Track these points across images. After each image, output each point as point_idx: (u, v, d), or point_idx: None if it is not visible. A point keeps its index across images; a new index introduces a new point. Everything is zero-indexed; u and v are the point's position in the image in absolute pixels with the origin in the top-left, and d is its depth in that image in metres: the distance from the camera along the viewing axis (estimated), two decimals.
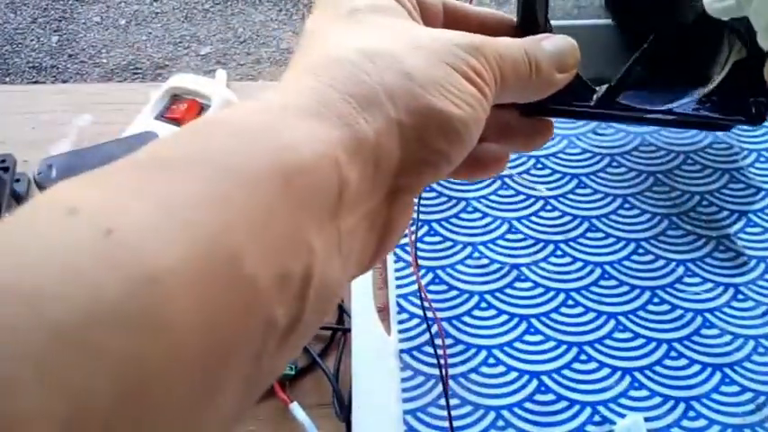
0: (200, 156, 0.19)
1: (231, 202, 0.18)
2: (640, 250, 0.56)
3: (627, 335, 0.51)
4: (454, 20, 0.29)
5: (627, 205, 0.59)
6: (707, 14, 0.31)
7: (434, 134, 0.23)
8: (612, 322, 0.52)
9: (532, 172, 0.60)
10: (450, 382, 0.49)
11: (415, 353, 0.50)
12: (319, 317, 0.21)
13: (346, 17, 0.25)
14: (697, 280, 0.54)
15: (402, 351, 0.50)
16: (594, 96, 0.31)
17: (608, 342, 0.51)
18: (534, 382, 0.49)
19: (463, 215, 0.58)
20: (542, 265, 0.55)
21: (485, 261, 0.55)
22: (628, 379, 0.49)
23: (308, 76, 0.23)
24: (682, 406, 0.48)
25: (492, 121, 0.30)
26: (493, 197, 0.59)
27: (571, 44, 0.28)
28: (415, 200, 0.26)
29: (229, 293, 0.17)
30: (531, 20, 0.30)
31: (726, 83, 0.32)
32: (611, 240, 0.57)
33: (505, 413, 0.47)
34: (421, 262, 0.55)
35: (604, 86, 0.31)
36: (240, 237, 0.18)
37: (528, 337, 0.51)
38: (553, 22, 0.31)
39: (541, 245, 0.56)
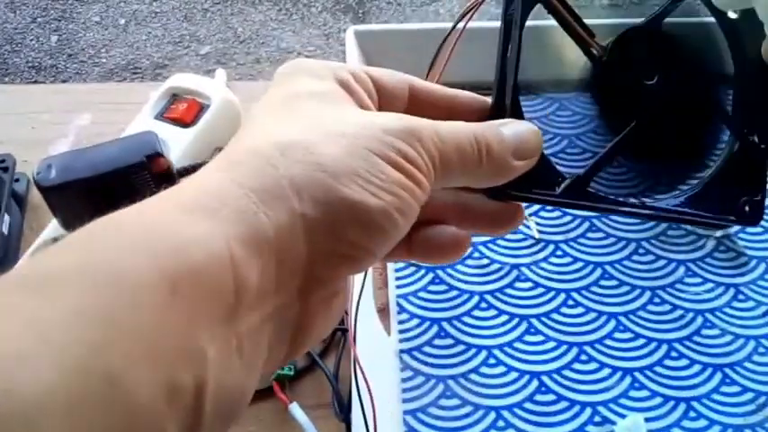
0: (81, 268, 0.18)
1: (111, 316, 0.17)
2: (641, 250, 0.56)
3: (627, 335, 0.51)
4: (419, 103, 0.28)
5: None
6: (697, 105, 0.30)
7: (348, 227, 0.22)
8: (613, 322, 0.52)
9: None
10: (451, 383, 0.49)
11: (415, 353, 0.50)
12: (223, 424, 0.20)
13: (281, 104, 0.25)
14: (698, 280, 0.54)
15: (402, 351, 0.50)
16: (562, 185, 0.28)
17: (608, 342, 0.51)
18: (534, 383, 0.49)
19: None
20: (543, 265, 0.55)
21: (485, 261, 0.55)
22: (628, 379, 0.49)
23: (218, 172, 0.22)
24: (682, 406, 0.48)
25: (451, 203, 0.29)
26: None
27: (533, 131, 0.27)
28: (345, 293, 0.25)
29: (108, 417, 0.16)
30: (500, 105, 0.28)
31: (716, 179, 0.29)
32: (611, 240, 0.56)
33: (506, 413, 0.47)
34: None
35: (572, 176, 0.28)
36: (119, 354, 0.17)
37: (528, 338, 0.51)
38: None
39: (542, 245, 0.56)
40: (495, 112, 0.28)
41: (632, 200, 0.29)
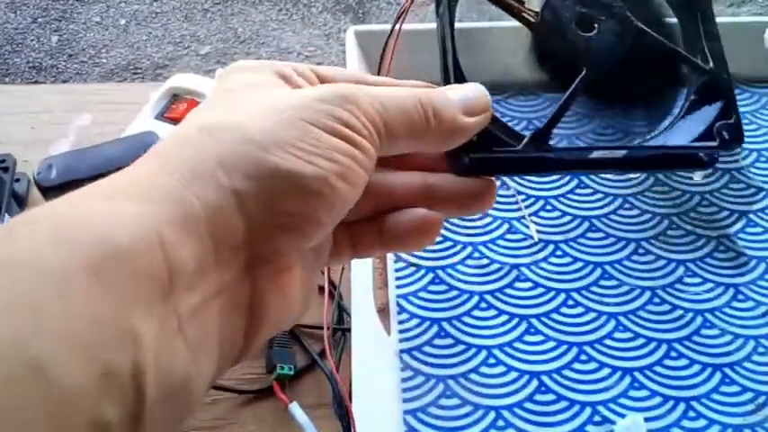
0: (5, 259, 0.18)
1: (34, 305, 0.17)
2: (640, 250, 0.56)
3: (627, 335, 0.51)
4: None
5: (627, 205, 0.59)
6: (644, 48, 0.30)
7: (283, 196, 0.22)
8: (613, 322, 0.52)
9: None
10: (451, 382, 0.49)
11: (415, 353, 0.50)
12: (173, 409, 0.20)
13: (214, 98, 0.25)
14: (697, 280, 0.54)
15: (402, 351, 0.50)
16: (523, 142, 0.28)
17: (608, 342, 0.51)
18: (534, 383, 0.49)
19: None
20: (542, 265, 0.55)
21: (485, 261, 0.55)
22: (628, 379, 0.49)
23: (146, 162, 0.22)
24: (682, 406, 0.48)
25: (418, 187, 0.28)
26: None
27: (479, 89, 0.27)
28: (300, 271, 0.24)
29: (37, 404, 0.16)
30: (445, 79, 0.28)
31: (685, 114, 0.30)
32: (611, 240, 0.57)
33: (506, 413, 0.47)
34: (421, 262, 0.55)
35: (532, 131, 0.28)
36: (45, 340, 0.16)
37: (528, 338, 0.51)
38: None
39: (541, 245, 0.56)
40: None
41: (602, 145, 0.29)
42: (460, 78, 0.29)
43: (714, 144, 0.29)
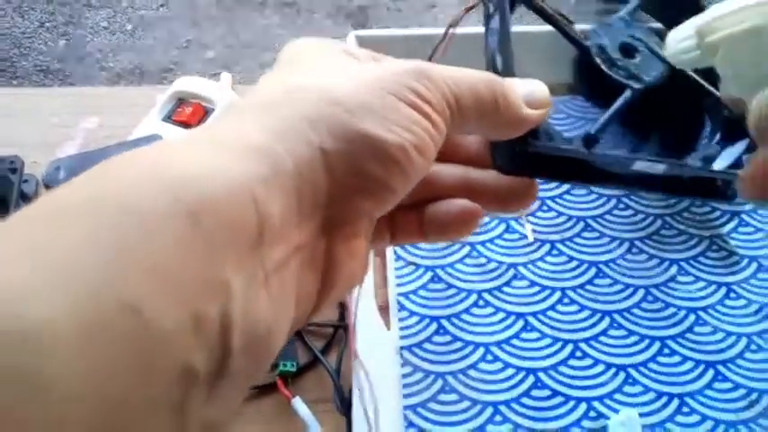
0: (94, 200, 0.17)
1: (126, 245, 0.17)
2: (634, 249, 0.57)
3: (621, 332, 0.52)
4: None
5: (621, 205, 0.60)
6: (688, 88, 0.31)
7: (366, 160, 0.22)
8: (607, 320, 0.53)
9: None
10: (449, 378, 0.50)
11: (414, 349, 0.51)
12: (254, 362, 0.20)
13: (287, 63, 0.25)
14: (690, 278, 0.55)
15: (402, 348, 0.51)
16: (574, 142, 0.29)
17: (603, 339, 0.52)
18: (531, 379, 0.50)
19: None
20: (539, 264, 0.56)
21: (483, 260, 0.56)
22: (622, 375, 0.50)
23: (231, 117, 0.22)
24: (675, 402, 0.49)
25: (459, 180, 0.29)
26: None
27: (542, 85, 0.27)
28: (367, 239, 0.25)
29: (127, 345, 0.16)
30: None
31: (718, 143, 0.31)
32: (605, 240, 0.58)
33: (503, 408, 0.48)
34: (421, 261, 0.56)
35: (582, 132, 0.29)
36: (137, 283, 0.16)
37: (525, 335, 0.52)
38: None
39: (538, 244, 0.57)
40: None
41: (644, 157, 0.30)
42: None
43: (735, 172, 0.30)
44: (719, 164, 0.30)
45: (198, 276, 0.18)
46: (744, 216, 0.59)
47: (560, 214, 0.59)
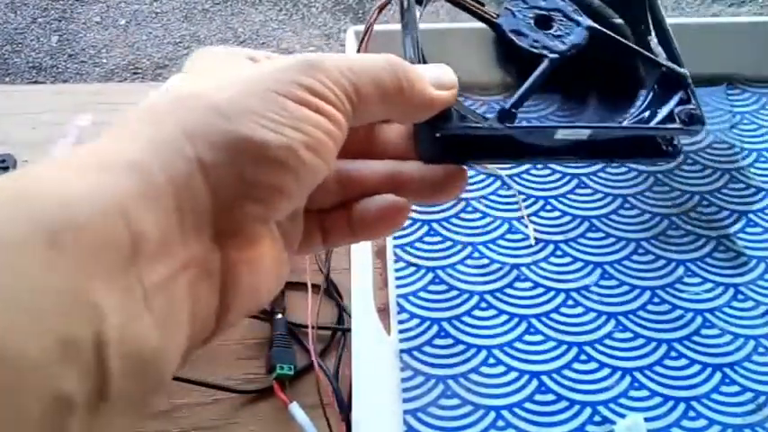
0: None
1: None
2: (640, 250, 0.56)
3: (627, 335, 0.51)
4: None
5: (627, 205, 0.59)
6: (602, 43, 0.31)
7: (249, 166, 0.21)
8: (612, 322, 0.52)
9: (532, 172, 0.61)
10: (451, 382, 0.49)
11: (415, 353, 0.50)
12: (140, 385, 0.19)
13: (179, 77, 0.25)
14: (697, 280, 0.54)
15: (402, 351, 0.50)
16: (490, 119, 0.28)
17: (608, 342, 0.51)
18: (534, 383, 0.49)
19: (463, 215, 0.58)
20: (542, 265, 0.55)
21: (485, 261, 0.55)
22: (628, 379, 0.49)
23: (111, 132, 0.22)
24: (682, 406, 0.48)
25: (385, 174, 0.28)
26: (493, 197, 0.59)
27: (446, 67, 0.27)
28: (271, 244, 0.24)
29: None
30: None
31: (651, 102, 0.31)
32: (611, 240, 0.57)
33: (505, 413, 0.47)
34: (421, 262, 0.55)
35: (498, 108, 0.28)
36: None
37: (528, 337, 0.51)
38: None
39: (541, 245, 0.56)
40: None
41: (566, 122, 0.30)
42: None
43: (677, 126, 0.29)
44: (654, 117, 0.30)
45: (61, 300, 0.17)
46: (752, 216, 0.58)
47: (564, 214, 0.58)
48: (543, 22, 0.31)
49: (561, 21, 0.31)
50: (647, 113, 0.30)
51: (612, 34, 0.31)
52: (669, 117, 0.30)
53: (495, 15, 0.31)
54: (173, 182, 0.20)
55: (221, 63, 0.25)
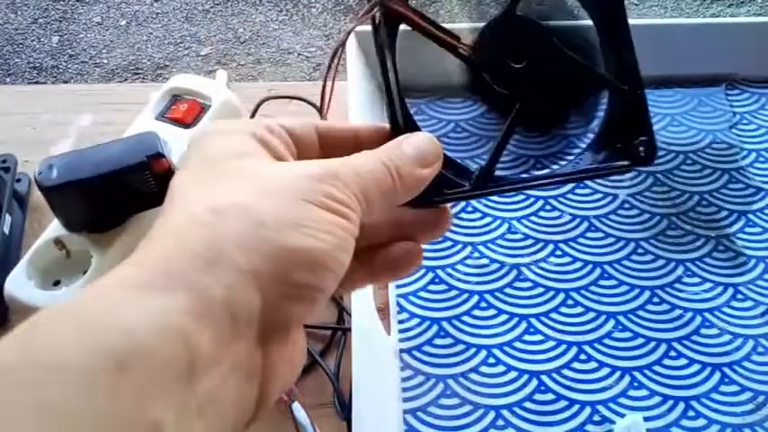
0: (26, 360, 0.18)
1: (59, 405, 0.18)
2: (640, 250, 0.56)
3: (626, 334, 0.51)
4: (329, 142, 0.30)
5: (626, 205, 0.59)
6: (569, 72, 0.32)
7: (298, 272, 0.23)
8: (612, 322, 0.52)
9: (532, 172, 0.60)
10: (450, 382, 0.49)
11: (415, 352, 0.50)
12: None
13: (202, 169, 0.26)
14: (696, 280, 0.54)
15: (402, 350, 0.50)
16: (472, 178, 0.31)
17: (607, 342, 0.51)
18: (534, 382, 0.49)
19: (463, 215, 0.58)
20: (542, 264, 0.55)
21: (485, 261, 0.55)
22: (627, 378, 0.49)
23: (156, 245, 0.23)
24: (681, 405, 0.48)
25: (385, 221, 0.31)
26: (493, 197, 0.59)
27: (430, 139, 0.29)
28: (302, 341, 0.27)
29: None
30: (395, 123, 0.30)
31: (605, 130, 0.32)
32: (610, 240, 0.57)
33: (505, 412, 0.47)
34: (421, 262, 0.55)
35: (478, 168, 0.31)
36: None
37: (528, 337, 0.51)
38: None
39: (541, 245, 0.56)
40: (394, 130, 0.30)
41: (537, 173, 0.32)
42: (411, 124, 0.30)
43: (625, 163, 0.31)
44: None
45: (127, 421, 0.18)
46: (751, 216, 0.58)
47: (564, 214, 0.58)
48: (518, 53, 0.32)
49: (534, 48, 0.31)
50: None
51: (581, 60, 0.32)
52: (627, 148, 0.31)
53: (468, 50, 0.32)
54: (228, 294, 0.22)
55: (237, 160, 0.26)
